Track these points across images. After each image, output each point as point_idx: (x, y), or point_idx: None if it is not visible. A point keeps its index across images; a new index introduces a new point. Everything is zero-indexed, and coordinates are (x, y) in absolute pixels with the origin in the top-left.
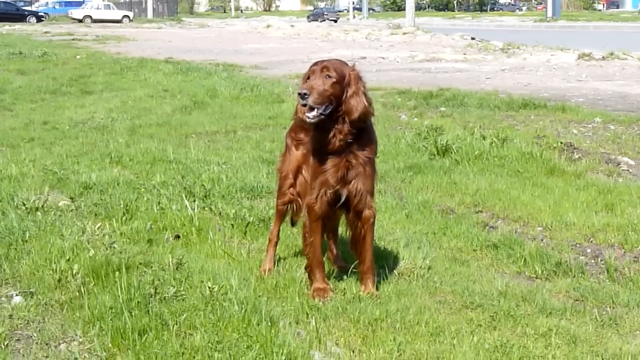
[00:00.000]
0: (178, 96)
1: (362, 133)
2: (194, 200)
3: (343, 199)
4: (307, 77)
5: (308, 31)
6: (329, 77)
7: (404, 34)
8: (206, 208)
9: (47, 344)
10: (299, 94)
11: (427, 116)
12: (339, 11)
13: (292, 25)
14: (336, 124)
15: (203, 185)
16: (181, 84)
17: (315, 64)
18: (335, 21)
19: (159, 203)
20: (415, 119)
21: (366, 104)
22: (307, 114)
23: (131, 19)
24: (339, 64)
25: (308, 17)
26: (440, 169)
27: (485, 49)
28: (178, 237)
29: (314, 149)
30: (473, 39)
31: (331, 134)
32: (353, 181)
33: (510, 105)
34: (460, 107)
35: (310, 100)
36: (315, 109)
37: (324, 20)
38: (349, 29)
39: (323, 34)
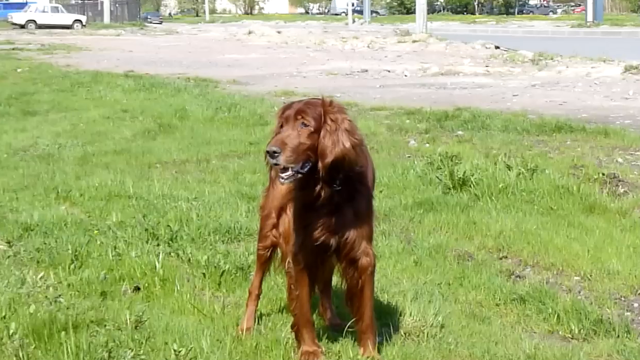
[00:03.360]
0: (140, 118)
1: (353, 177)
2: (158, 245)
3: (333, 248)
4: (280, 125)
5: (298, 38)
6: (305, 125)
7: (414, 42)
8: (172, 254)
9: None
10: (267, 152)
11: (441, 141)
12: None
13: (278, 32)
14: (319, 179)
15: (169, 226)
16: (144, 102)
17: (289, 107)
18: (160, 23)
19: (115, 248)
20: (427, 145)
21: (347, 144)
22: (280, 174)
23: (84, 24)
24: (317, 105)
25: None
26: (456, 206)
27: (512, 60)
28: (138, 288)
29: (295, 201)
30: (497, 47)
31: (316, 190)
32: (343, 230)
33: (541, 128)
34: (482, 130)
35: (282, 160)
36: (290, 169)
37: (142, 28)
38: (348, 36)
39: (316, 42)
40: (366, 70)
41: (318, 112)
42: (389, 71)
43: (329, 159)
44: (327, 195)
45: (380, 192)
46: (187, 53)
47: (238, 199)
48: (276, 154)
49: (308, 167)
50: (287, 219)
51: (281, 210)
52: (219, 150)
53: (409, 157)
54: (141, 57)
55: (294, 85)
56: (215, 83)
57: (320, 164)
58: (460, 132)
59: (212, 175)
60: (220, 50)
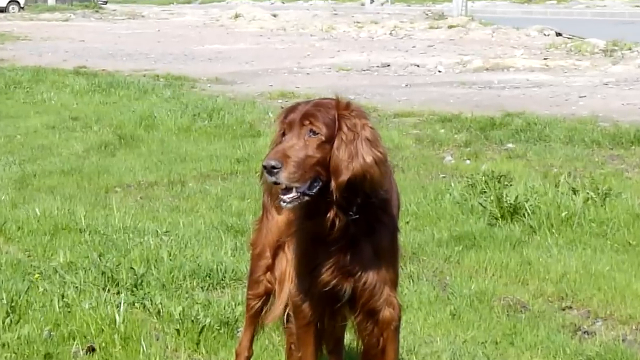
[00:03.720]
0: (94, 127)
1: (374, 203)
2: (118, 292)
3: (347, 296)
4: (282, 133)
5: (299, 24)
6: (314, 133)
7: (451, 27)
8: (137, 304)
9: None
10: (264, 167)
11: (486, 157)
12: None
13: (274, 15)
14: (332, 203)
15: (132, 268)
16: (99, 108)
17: (293, 109)
18: (105, 3)
19: (63, 297)
20: (468, 161)
21: (367, 159)
22: (281, 196)
23: (22, 6)
24: (329, 107)
25: None
26: (505, 241)
27: (579, 50)
28: (93, 349)
29: (300, 233)
30: (559, 34)
31: (327, 218)
32: (361, 272)
33: (616, 140)
34: (539, 142)
35: (283, 177)
36: (293, 189)
37: (97, 11)
38: (364, 20)
39: (323, 29)
40: (388, 65)
41: (331, 117)
42: (417, 66)
43: (345, 176)
44: (342, 226)
45: (407, 223)
46: (156, 43)
47: (222, 233)
48: (276, 170)
49: (317, 187)
50: (287, 258)
51: (278, 248)
52: (197, 170)
53: (443, 177)
54: (96, 48)
55: (294, 85)
56: (192, 82)
57: (333, 184)
58: (510, 145)
59: (188, 202)
60: (198, 40)
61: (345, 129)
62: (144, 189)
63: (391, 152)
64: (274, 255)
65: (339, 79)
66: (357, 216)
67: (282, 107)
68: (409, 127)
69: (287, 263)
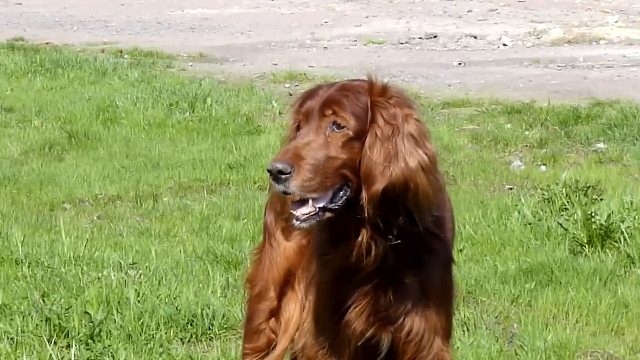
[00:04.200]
0: (35, 122)
1: (420, 222)
2: (69, 346)
3: (385, 351)
4: (297, 127)
5: None
6: (339, 127)
7: None
8: None
9: None
10: (269, 172)
11: (568, 162)
12: None
13: None
14: (364, 222)
15: (87, 313)
16: (42, 95)
17: (312, 95)
18: None
19: None
20: (543, 167)
21: (412, 163)
22: (293, 212)
23: None
24: (360, 91)
25: None
26: (594, 276)
27: None
28: None
29: (320, 265)
30: None
31: (358, 243)
32: (404, 319)
33: None
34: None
35: (295, 185)
36: (310, 202)
37: None
38: None
39: None
40: (435, 36)
41: (362, 105)
42: (475, 37)
43: (380, 185)
44: (378, 255)
45: (461, 251)
46: (119, 7)
47: (209, 266)
48: (285, 175)
49: (343, 199)
50: (298, 299)
51: (286, 285)
52: (174, 180)
53: (510, 189)
54: (38, 14)
55: (306, 64)
56: (168, 60)
57: (364, 195)
58: (601, 146)
59: (163, 223)
60: (176, 2)
61: (381, 121)
62: (103, 206)
63: (439, 156)
64: (281, 296)
65: (367, 56)
66: (399, 242)
67: (290, 94)
68: (463, 121)
69: (298, 306)
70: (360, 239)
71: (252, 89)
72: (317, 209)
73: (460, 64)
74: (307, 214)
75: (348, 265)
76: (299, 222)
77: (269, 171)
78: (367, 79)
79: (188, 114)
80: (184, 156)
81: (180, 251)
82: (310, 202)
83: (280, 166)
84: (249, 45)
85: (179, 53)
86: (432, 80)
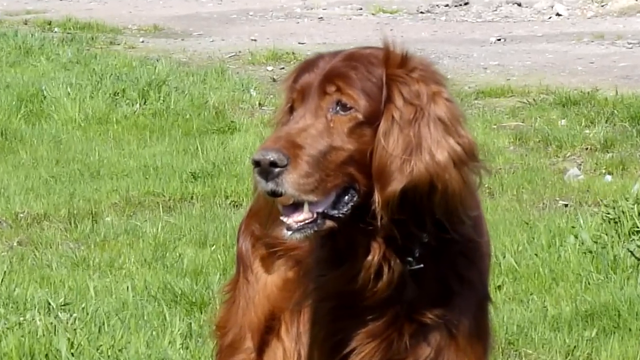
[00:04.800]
0: None
1: (449, 241)
2: None
3: None
4: (290, 106)
5: None
6: (345, 108)
7: None
8: None
9: None
10: (256, 163)
11: None
12: None
13: None
14: (375, 235)
15: None
16: None
17: (310, 66)
18: None
19: None
20: (608, 177)
21: (439, 155)
22: (284, 219)
23: None
24: (372, 61)
25: None
26: None
27: None
28: None
29: (317, 296)
30: None
31: (368, 264)
32: None
33: None
34: None
35: (289, 183)
36: (307, 206)
37: None
38: None
39: None
40: (465, 3)
41: (375, 79)
42: (518, 4)
43: (397, 184)
44: (391, 280)
45: (498, 288)
46: None
47: (165, 307)
48: (278, 169)
49: (348, 205)
50: (283, 349)
51: (268, 333)
52: (119, 193)
53: (564, 205)
54: None
55: (295, 38)
56: (112, 34)
57: (376, 198)
58: None
59: (104, 250)
60: None
61: (399, 101)
62: (26, 228)
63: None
64: (261, 347)
65: (376, 29)
66: (421, 266)
67: (274, 80)
68: (502, 115)
69: (283, 356)
70: (370, 257)
71: (223, 73)
72: (315, 215)
73: (499, 39)
74: (302, 222)
75: (351, 292)
76: (291, 232)
77: (256, 162)
78: (383, 46)
79: (138, 105)
80: (133, 162)
81: (128, 288)
82: (306, 205)
83: (273, 156)
84: (219, 15)
85: (127, 25)
86: (462, 61)
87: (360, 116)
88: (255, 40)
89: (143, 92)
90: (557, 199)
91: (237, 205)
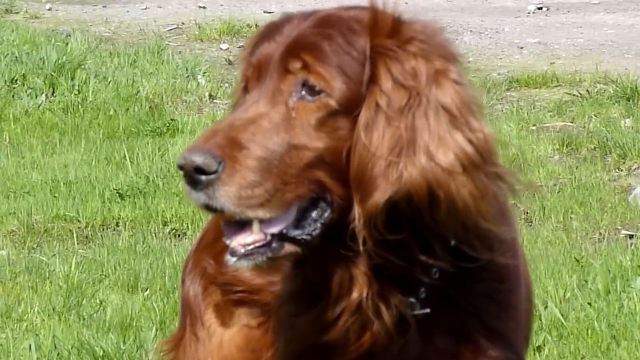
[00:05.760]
0: None
1: (470, 277)
2: None
3: None
4: (244, 87)
5: None
6: (313, 91)
7: None
8: None
9: None
10: (181, 168)
11: None
12: None
13: None
14: (358, 264)
15: None
16: None
17: (269, 32)
18: None
19: None
20: None
21: (447, 156)
22: (226, 240)
23: None
24: (352, 28)
25: None
26: None
27: None
28: None
29: (286, 330)
30: None
31: (350, 304)
32: None
33: None
34: None
35: (224, 195)
36: (255, 224)
37: None
38: None
39: None
40: None
41: (357, 52)
42: None
43: (381, 195)
44: (384, 329)
45: (538, 349)
46: None
47: None
48: (207, 176)
49: (318, 224)
50: None
51: None
52: (18, 218)
53: (629, 236)
54: None
55: (258, 5)
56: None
57: (356, 212)
58: None
59: None
60: None
61: (387, 82)
62: None
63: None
64: None
65: None
66: (427, 310)
67: (229, 62)
68: (544, 113)
69: None
70: (353, 295)
71: (161, 53)
72: (268, 237)
73: (539, 7)
74: (249, 244)
75: (330, 346)
76: (235, 258)
77: (180, 167)
78: (368, 5)
79: (44, 97)
80: (36, 174)
81: (30, 346)
82: (256, 224)
83: (198, 159)
84: None
85: None
86: (490, 37)
87: (333, 103)
88: (204, 7)
89: (51, 78)
90: (619, 227)
91: (179, 235)
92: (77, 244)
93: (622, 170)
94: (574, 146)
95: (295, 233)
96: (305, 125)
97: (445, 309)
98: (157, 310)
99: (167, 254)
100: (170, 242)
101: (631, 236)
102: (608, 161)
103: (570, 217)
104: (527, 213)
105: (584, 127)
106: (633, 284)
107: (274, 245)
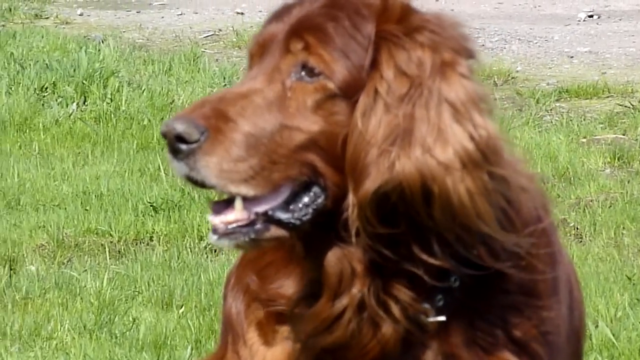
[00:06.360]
0: None
1: (491, 285)
2: None
3: None
4: (249, 65)
5: None
6: (312, 73)
7: None
8: None
9: None
10: (163, 135)
11: None
12: None
13: None
14: (358, 256)
15: None
16: None
17: (280, 13)
18: None
19: None
20: None
21: (446, 151)
22: (210, 217)
23: None
24: (359, 13)
25: None
26: None
27: None
28: None
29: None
30: None
31: (350, 301)
32: None
33: None
34: None
35: (205, 166)
36: (238, 201)
37: None
38: None
39: None
40: None
41: (363, 36)
42: None
43: (371, 183)
44: (394, 334)
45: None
46: None
47: None
48: (187, 145)
49: (309, 208)
50: None
51: None
52: (48, 231)
53: None
54: None
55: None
56: (37, 2)
57: (350, 200)
58: None
59: (26, 312)
60: None
61: (389, 69)
62: None
63: (548, 190)
64: None
65: None
66: (443, 318)
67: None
68: (595, 124)
69: None
70: (355, 290)
71: (197, 61)
72: (252, 217)
73: (590, 15)
74: (232, 222)
75: (342, 349)
76: (217, 237)
77: (162, 135)
78: None
79: (75, 106)
80: (67, 187)
81: None
82: (239, 201)
83: (180, 127)
84: None
85: None
86: (539, 46)
87: (332, 86)
88: (242, 13)
89: (82, 86)
90: None
91: (215, 250)
92: (109, 259)
93: None
94: (626, 159)
95: (284, 216)
96: (300, 106)
97: (469, 320)
98: (192, 328)
99: (203, 270)
100: (207, 257)
101: None
102: None
103: (622, 233)
104: (577, 229)
105: (636, 139)
106: None
107: (258, 226)
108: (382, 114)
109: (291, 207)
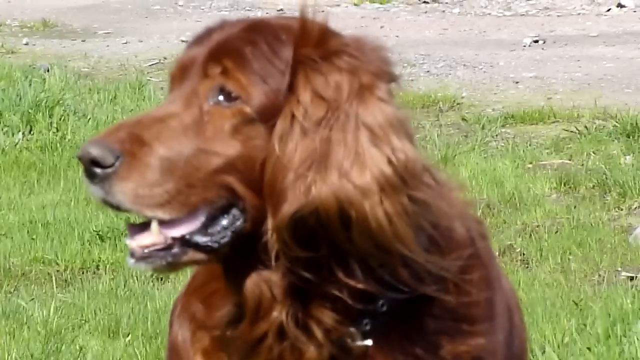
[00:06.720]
0: None
1: (419, 311)
2: None
3: None
4: (169, 89)
5: None
6: (229, 97)
7: None
8: None
9: None
10: (79, 159)
11: None
12: None
13: None
14: (277, 280)
15: None
16: None
17: (201, 37)
18: None
19: None
20: None
21: (364, 176)
22: (127, 241)
23: None
24: (278, 36)
25: None
26: None
27: None
28: None
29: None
30: None
31: (270, 322)
32: None
33: None
34: None
35: (120, 191)
36: (154, 225)
37: None
38: None
39: None
40: None
41: (281, 61)
42: None
43: (288, 207)
44: (327, 352)
45: None
46: None
47: None
48: (102, 170)
49: (228, 231)
50: None
51: None
52: (1, 259)
53: (630, 278)
54: None
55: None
56: None
57: (269, 224)
58: None
59: None
60: None
61: (305, 94)
62: None
63: (485, 217)
64: None
65: (360, 24)
66: (369, 343)
67: None
68: (541, 150)
69: None
70: (274, 314)
71: (142, 89)
72: (169, 241)
73: (536, 41)
74: (149, 246)
75: None
76: (133, 261)
77: (78, 158)
78: (299, 15)
79: (21, 135)
80: (13, 216)
81: None
82: (154, 225)
83: (94, 151)
84: (135, 5)
85: (4, 20)
86: (484, 71)
87: (249, 110)
88: (186, 41)
89: (28, 115)
90: (619, 269)
91: (161, 278)
92: (56, 287)
93: (622, 210)
94: (572, 184)
95: (202, 239)
96: (218, 130)
97: (397, 345)
98: (139, 356)
99: (150, 298)
100: (153, 285)
101: (632, 278)
102: (607, 200)
103: (569, 259)
104: (524, 254)
105: (583, 164)
106: (634, 328)
107: (175, 250)
108: (298, 138)
109: (209, 230)
